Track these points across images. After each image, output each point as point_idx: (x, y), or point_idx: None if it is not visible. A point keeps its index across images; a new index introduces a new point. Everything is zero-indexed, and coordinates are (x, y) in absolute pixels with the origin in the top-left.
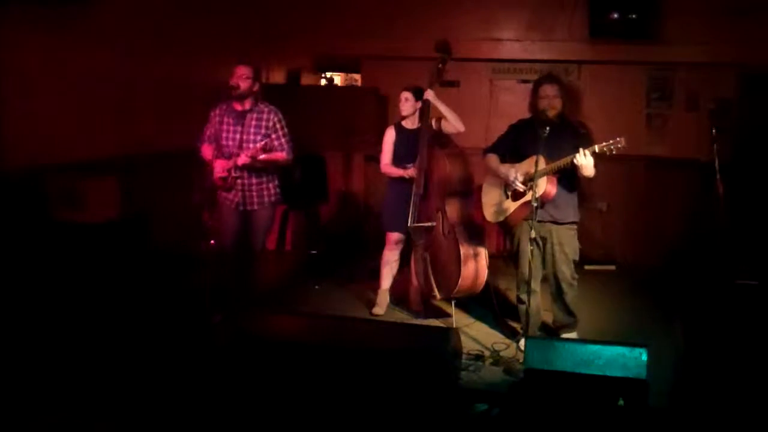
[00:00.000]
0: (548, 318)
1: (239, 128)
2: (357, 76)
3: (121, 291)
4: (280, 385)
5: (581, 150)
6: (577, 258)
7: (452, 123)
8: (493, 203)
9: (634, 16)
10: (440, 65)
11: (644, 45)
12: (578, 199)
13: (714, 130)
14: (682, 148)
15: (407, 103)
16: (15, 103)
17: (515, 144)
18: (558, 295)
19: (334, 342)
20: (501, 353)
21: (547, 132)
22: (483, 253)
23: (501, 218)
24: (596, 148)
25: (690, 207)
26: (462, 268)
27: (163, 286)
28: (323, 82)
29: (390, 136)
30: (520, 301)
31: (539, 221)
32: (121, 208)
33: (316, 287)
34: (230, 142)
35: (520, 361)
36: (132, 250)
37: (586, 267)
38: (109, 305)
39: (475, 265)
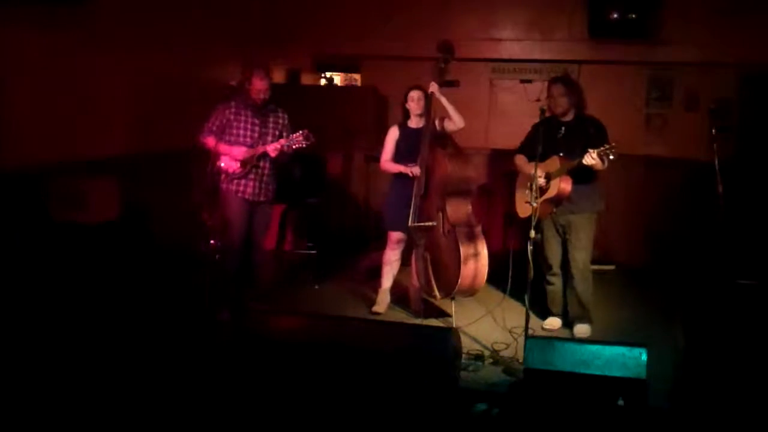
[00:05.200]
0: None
1: (258, 121)
2: (357, 76)
3: (121, 291)
4: (281, 384)
5: (589, 152)
6: (591, 246)
7: (454, 119)
8: (522, 200)
9: (633, 16)
10: (442, 65)
11: (644, 45)
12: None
13: (714, 130)
14: (682, 148)
15: (420, 102)
16: (15, 103)
17: (536, 143)
18: (570, 284)
19: (334, 342)
20: (501, 353)
21: (563, 131)
22: (483, 252)
23: (529, 214)
24: (595, 153)
25: (690, 207)
26: (462, 268)
27: (163, 286)
28: (323, 82)
29: (393, 134)
30: (548, 282)
31: (559, 214)
32: (121, 208)
33: (316, 287)
34: (249, 133)
35: (520, 360)
36: (132, 250)
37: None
38: (109, 305)
39: (475, 265)
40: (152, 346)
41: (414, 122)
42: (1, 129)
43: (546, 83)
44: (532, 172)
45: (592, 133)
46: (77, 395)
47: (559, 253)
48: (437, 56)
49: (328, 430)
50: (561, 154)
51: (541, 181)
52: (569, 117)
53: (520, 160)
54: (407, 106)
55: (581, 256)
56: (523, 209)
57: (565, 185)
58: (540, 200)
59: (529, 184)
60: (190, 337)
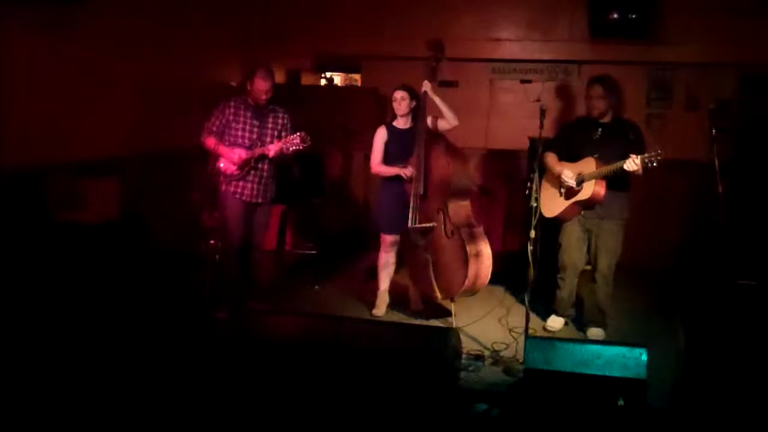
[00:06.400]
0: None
1: (257, 122)
2: (357, 76)
3: (120, 291)
4: (280, 384)
5: (631, 157)
6: (618, 252)
7: (447, 117)
8: (548, 199)
9: (634, 16)
10: (434, 64)
11: (644, 45)
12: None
13: (714, 130)
14: (682, 148)
15: (404, 102)
16: (15, 103)
17: (568, 143)
18: (592, 288)
19: (333, 342)
20: (501, 353)
21: (600, 133)
22: (486, 252)
23: (555, 214)
24: (638, 159)
25: (690, 207)
26: (468, 269)
27: (162, 286)
28: (323, 82)
29: (381, 135)
30: (558, 286)
31: (587, 218)
32: (121, 208)
33: (316, 287)
34: (247, 134)
35: (520, 360)
36: (131, 250)
37: (586, 267)
38: (109, 305)
39: (479, 265)
40: (151, 346)
41: (401, 122)
42: (1, 129)
43: (545, 84)
44: (563, 171)
45: (632, 139)
46: (76, 394)
47: (578, 259)
48: (428, 55)
49: (328, 431)
50: (596, 156)
51: (572, 182)
52: (607, 119)
53: (551, 158)
54: (393, 106)
55: (608, 261)
56: (547, 209)
57: (600, 189)
58: (571, 201)
59: (559, 184)
60: (189, 337)
